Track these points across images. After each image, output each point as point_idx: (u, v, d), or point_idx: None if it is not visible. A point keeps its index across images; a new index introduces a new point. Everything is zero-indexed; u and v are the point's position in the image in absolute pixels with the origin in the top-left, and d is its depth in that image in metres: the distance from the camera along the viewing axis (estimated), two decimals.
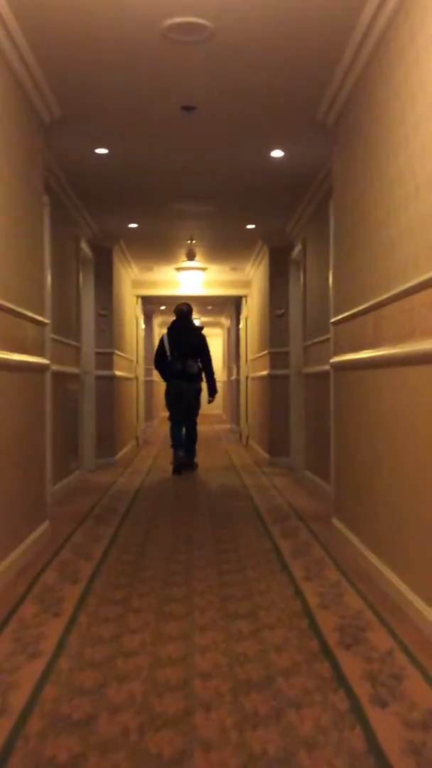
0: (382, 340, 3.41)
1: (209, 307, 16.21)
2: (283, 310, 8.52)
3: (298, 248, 7.85)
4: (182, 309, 8.24)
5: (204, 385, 8.20)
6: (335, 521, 4.62)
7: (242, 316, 11.61)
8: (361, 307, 3.81)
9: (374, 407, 3.60)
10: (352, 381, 4.18)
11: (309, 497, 6.17)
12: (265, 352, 8.90)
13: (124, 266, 9.86)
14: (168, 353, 8.05)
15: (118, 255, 9.05)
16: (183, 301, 9.05)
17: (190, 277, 10.73)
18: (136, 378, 11.33)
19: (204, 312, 17.28)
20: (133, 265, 10.45)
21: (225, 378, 18.56)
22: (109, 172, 6.04)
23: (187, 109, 4.54)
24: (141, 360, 11.60)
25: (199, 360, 8.06)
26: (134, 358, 11.26)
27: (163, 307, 16.19)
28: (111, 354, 8.53)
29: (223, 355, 19.45)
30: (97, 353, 8.37)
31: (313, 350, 6.79)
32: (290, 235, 8.16)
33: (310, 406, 6.96)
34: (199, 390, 8.17)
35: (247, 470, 8.20)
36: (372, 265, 3.65)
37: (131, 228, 8.07)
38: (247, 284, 11.32)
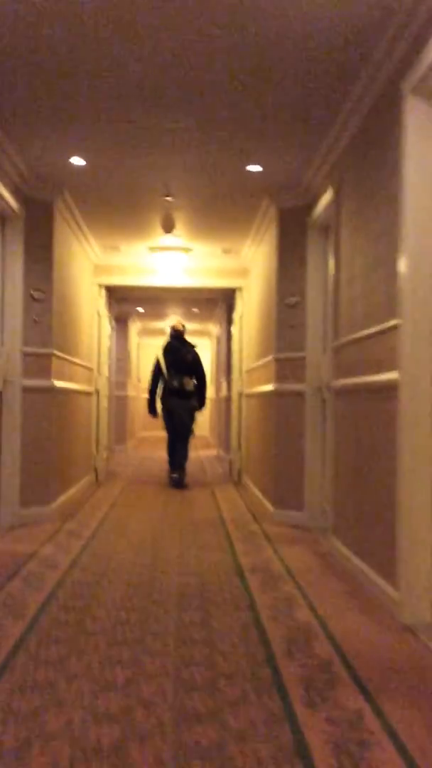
0: None
1: (194, 310, 13.61)
2: (297, 298, 5.92)
3: (324, 202, 5.27)
4: (177, 327, 8.61)
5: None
6: None
7: (236, 315, 9.00)
8: None
9: None
10: None
11: (360, 611, 3.52)
12: (269, 358, 6.30)
13: (77, 238, 7.23)
14: (164, 371, 8.32)
15: (64, 216, 6.41)
16: (159, 291, 8.73)
17: (169, 261, 8.15)
18: (96, 392, 8.68)
19: (189, 317, 14.67)
20: (92, 242, 7.83)
21: (213, 395, 15.93)
22: (37, 56, 3.45)
23: None
24: (105, 369, 8.97)
25: (194, 377, 8.36)
26: (94, 366, 8.62)
27: (140, 309, 13.57)
28: (47, 356, 5.89)
29: (212, 368, 16.83)
30: (27, 354, 5.73)
31: (353, 351, 4.20)
32: (311, 185, 5.58)
33: (346, 439, 4.35)
34: (194, 407, 8.43)
35: (242, 531, 5.56)
36: None
37: (77, 167, 5.45)
38: (243, 272, 8.72)
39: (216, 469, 10.59)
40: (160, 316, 14.85)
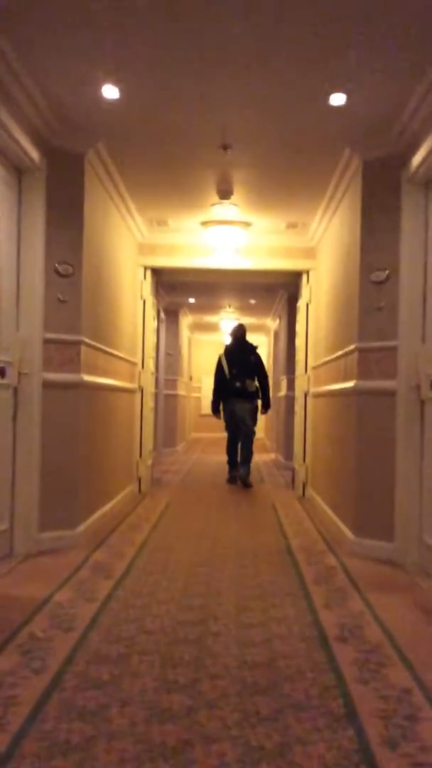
0: None
1: (252, 301, 12.41)
2: (386, 273, 4.69)
3: (425, 151, 4.05)
4: (238, 330, 8.65)
5: (260, 402, 8.50)
6: None
7: (300, 303, 7.79)
8: None
9: None
10: None
11: None
12: (349, 349, 5.06)
13: (116, 206, 6.12)
14: (227, 373, 8.36)
15: (98, 172, 5.30)
16: (212, 275, 7.89)
17: (225, 238, 7.00)
18: (140, 390, 7.57)
19: (245, 310, 13.49)
20: (135, 215, 6.71)
21: (270, 394, 14.69)
22: None
23: None
24: (150, 364, 7.85)
25: (256, 378, 8.37)
26: (138, 361, 7.51)
27: (192, 300, 12.45)
28: (75, 344, 4.77)
29: (269, 366, 15.59)
30: (49, 341, 4.63)
31: None
32: (408, 128, 4.34)
33: None
34: (256, 408, 8.48)
35: (317, 566, 4.33)
36: None
37: (109, 102, 4.31)
38: (310, 253, 7.50)
39: (276, 478, 9.38)
40: (213, 308, 13.69)
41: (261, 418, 15.78)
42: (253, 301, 12.37)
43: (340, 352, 5.56)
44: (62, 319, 4.71)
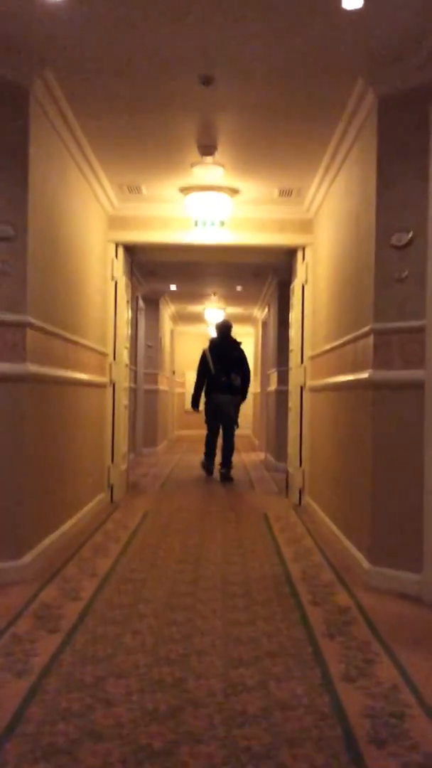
0: None
1: (238, 288, 11.44)
2: (411, 233, 3.73)
3: None
4: (224, 325, 8.79)
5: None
6: None
7: (294, 285, 6.82)
8: None
9: None
10: None
11: None
12: (365, 330, 4.08)
13: (79, 168, 5.13)
14: (212, 368, 8.44)
15: (50, 116, 4.30)
16: (194, 252, 7.03)
17: (209, 206, 6.10)
18: (112, 384, 6.58)
19: (231, 297, 12.52)
20: (103, 180, 5.73)
21: (256, 389, 13.78)
22: None
23: None
24: (124, 355, 6.86)
25: (239, 373, 8.49)
26: (109, 351, 6.53)
27: (173, 287, 11.47)
28: (19, 326, 3.78)
29: (257, 358, 14.63)
30: None
31: None
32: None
33: None
34: (240, 402, 8.61)
35: (326, 607, 3.36)
36: None
37: (55, 5, 3.33)
38: (306, 226, 6.54)
39: (267, 483, 8.42)
40: (197, 297, 12.72)
41: (247, 415, 14.83)
42: (239, 288, 11.41)
43: (348, 337, 4.60)
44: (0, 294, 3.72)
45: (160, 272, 9.87)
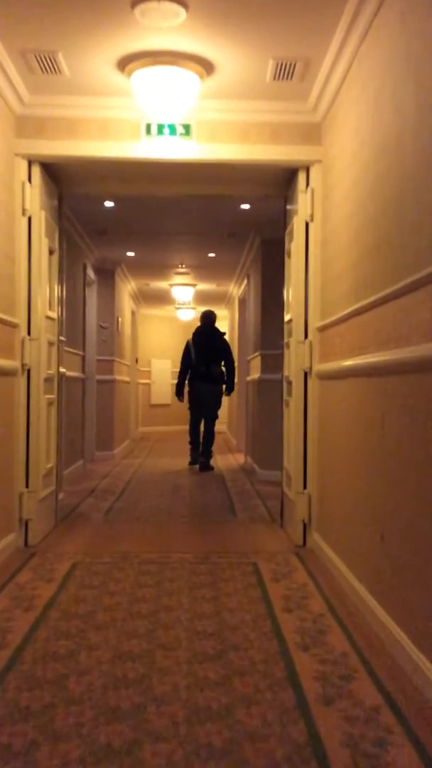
0: None
1: (211, 254, 9.31)
2: None
3: None
4: (208, 315, 8.80)
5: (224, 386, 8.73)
6: None
7: (295, 224, 4.65)
8: None
9: None
10: None
11: None
12: (425, 273, 2.00)
13: None
14: (194, 357, 8.61)
15: None
16: (151, 181, 4.92)
17: (164, 89, 3.98)
18: (25, 370, 4.43)
19: (202, 268, 10.38)
20: None
21: (236, 379, 11.64)
22: None
23: None
24: (47, 330, 4.70)
25: (222, 363, 8.63)
26: (20, 321, 4.38)
27: (131, 254, 9.31)
28: None
29: (232, 346, 12.48)
30: None
31: None
32: None
33: None
34: (220, 392, 8.77)
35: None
36: None
37: None
38: (312, 133, 4.44)
39: (251, 502, 6.31)
40: (161, 270, 10.58)
41: (224, 409, 12.68)
42: (212, 255, 9.31)
43: (387, 291, 2.54)
44: None
45: (111, 229, 7.74)
